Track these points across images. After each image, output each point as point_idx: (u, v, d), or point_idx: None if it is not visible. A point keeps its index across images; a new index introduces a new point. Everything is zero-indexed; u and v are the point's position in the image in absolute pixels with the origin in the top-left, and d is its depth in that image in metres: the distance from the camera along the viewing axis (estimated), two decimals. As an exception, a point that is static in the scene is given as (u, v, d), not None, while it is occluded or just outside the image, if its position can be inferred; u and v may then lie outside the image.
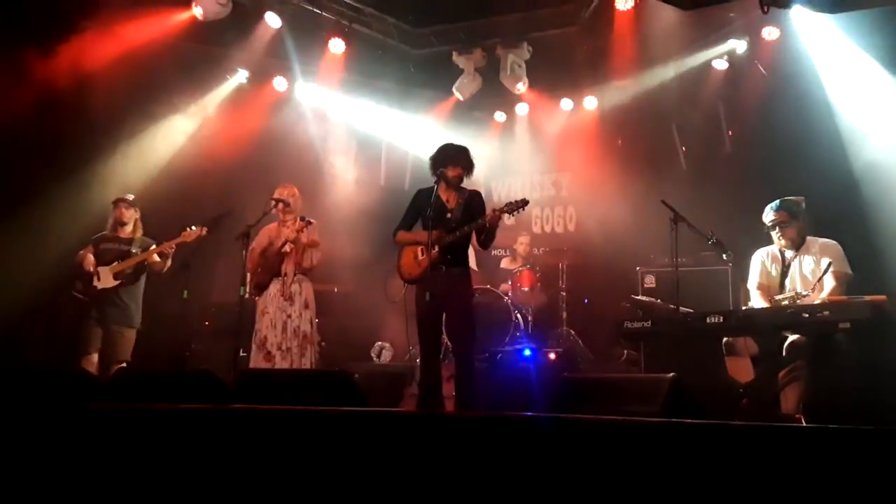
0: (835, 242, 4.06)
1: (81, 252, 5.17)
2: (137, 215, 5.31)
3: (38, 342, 5.30)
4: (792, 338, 3.71)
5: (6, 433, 2.36)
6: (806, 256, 4.07)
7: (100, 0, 5.79)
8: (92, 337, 4.96)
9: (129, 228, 5.25)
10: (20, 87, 5.30)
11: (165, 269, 5.21)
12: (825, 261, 3.92)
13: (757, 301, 4.16)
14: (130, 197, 5.34)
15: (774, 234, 4.16)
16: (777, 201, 4.18)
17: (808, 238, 4.11)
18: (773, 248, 4.21)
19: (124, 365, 4.90)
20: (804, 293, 3.88)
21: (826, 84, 5.79)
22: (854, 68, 5.64)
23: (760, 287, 4.19)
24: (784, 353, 3.70)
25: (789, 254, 4.13)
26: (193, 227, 5.10)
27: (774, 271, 4.16)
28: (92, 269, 5.09)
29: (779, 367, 3.70)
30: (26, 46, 5.40)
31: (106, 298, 5.04)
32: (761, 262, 4.23)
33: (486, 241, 4.31)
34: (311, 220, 4.96)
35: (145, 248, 5.17)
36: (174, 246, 5.12)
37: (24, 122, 5.39)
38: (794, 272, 4.08)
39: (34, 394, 3.08)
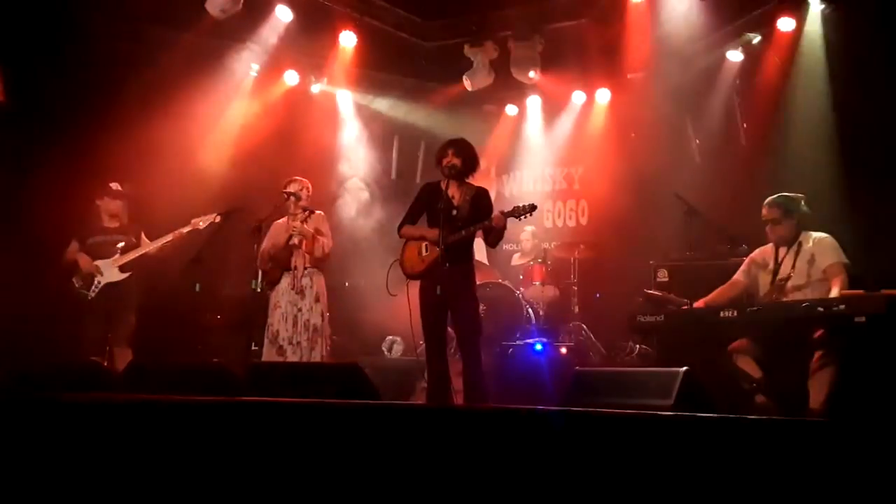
0: (825, 235, 3.96)
1: (69, 251, 5.10)
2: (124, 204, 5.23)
3: (40, 343, 5.29)
4: (804, 332, 3.65)
5: (14, 432, 2.38)
6: (799, 252, 3.97)
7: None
8: (96, 338, 4.95)
9: (117, 218, 5.20)
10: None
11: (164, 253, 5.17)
12: (819, 257, 3.85)
13: (712, 295, 4.09)
14: (115, 186, 5.24)
15: (767, 230, 4.09)
16: (772, 197, 4.10)
17: (802, 233, 4.02)
18: (769, 246, 4.14)
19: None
20: (788, 276, 3.83)
21: (840, 76, 5.69)
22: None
23: (732, 283, 4.13)
24: (797, 349, 3.65)
25: (783, 250, 4.05)
26: (204, 217, 5.07)
27: (765, 270, 4.08)
28: (90, 266, 5.04)
29: (791, 362, 3.65)
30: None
31: (110, 290, 5.03)
32: (751, 260, 4.17)
33: (494, 241, 4.27)
34: (315, 210, 4.96)
35: (136, 236, 5.14)
36: (184, 233, 5.08)
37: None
38: (785, 269, 3.99)
39: (47, 387, 3.11)
